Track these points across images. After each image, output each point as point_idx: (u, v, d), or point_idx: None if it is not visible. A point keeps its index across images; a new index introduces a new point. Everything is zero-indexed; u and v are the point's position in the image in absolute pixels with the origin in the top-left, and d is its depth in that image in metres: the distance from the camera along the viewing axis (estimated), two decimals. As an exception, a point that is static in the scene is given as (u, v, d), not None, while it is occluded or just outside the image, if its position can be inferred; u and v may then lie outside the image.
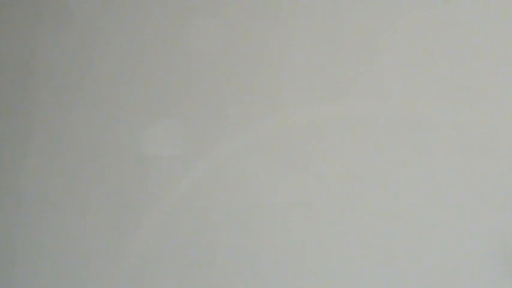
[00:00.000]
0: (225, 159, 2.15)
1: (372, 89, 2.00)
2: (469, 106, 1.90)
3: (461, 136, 1.91)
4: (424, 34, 1.96)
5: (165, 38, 2.25)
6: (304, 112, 2.07)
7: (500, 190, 1.86)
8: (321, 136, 2.04)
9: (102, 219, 2.27)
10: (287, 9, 2.11)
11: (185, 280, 2.16)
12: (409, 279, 1.92)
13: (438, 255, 1.90)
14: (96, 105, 2.32)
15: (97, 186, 2.29)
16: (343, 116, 2.02)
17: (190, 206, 2.17)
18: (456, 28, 1.93)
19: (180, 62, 2.23)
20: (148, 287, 2.20)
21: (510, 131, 1.87)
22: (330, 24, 2.06)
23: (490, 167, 1.87)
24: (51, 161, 2.36)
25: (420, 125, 1.94)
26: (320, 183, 2.03)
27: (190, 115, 2.20)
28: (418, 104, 1.95)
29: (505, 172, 1.85)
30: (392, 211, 1.95)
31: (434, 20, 1.95)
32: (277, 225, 2.07)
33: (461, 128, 1.91)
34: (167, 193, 2.20)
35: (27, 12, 2.44)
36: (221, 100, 2.17)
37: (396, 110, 1.97)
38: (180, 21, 2.24)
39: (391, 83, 1.99)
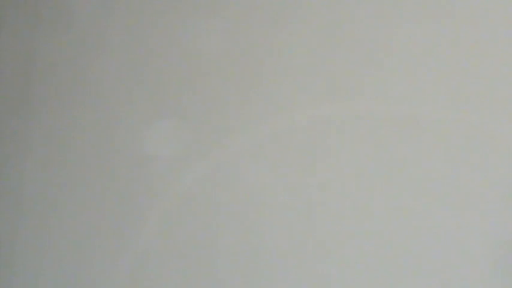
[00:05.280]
0: (225, 159, 2.15)
1: (372, 89, 2.00)
2: (470, 106, 1.90)
3: (462, 136, 1.91)
4: (425, 34, 1.96)
5: (166, 38, 2.25)
6: (305, 112, 2.07)
7: (501, 190, 1.86)
8: (322, 136, 2.04)
9: (102, 219, 2.27)
10: (288, 8, 2.11)
11: (185, 280, 2.16)
12: (409, 279, 1.93)
13: (438, 255, 1.90)
14: (96, 106, 2.32)
15: (97, 186, 2.29)
16: (344, 116, 2.03)
17: (190, 206, 2.17)
18: (457, 28, 1.93)
19: (181, 62, 2.23)
20: (148, 287, 2.20)
21: (511, 131, 1.87)
22: (331, 25, 2.06)
23: (490, 167, 1.87)
24: (52, 161, 2.36)
25: (421, 126, 1.94)
26: (321, 184, 2.03)
27: (190, 115, 2.20)
28: (419, 104, 1.95)
29: (505, 172, 1.86)
30: (393, 211, 1.95)
31: (435, 20, 1.95)
32: (278, 225, 2.07)
33: (462, 128, 1.91)
34: (168, 193, 2.21)
35: (27, 12, 2.44)
36: (222, 100, 2.17)
37: (397, 110, 1.97)
38: (180, 21, 2.24)
39: (392, 84, 1.98)
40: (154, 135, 2.24)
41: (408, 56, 1.97)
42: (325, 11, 2.07)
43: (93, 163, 2.31)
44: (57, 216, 2.33)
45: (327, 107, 2.05)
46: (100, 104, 2.32)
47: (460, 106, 1.91)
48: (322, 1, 2.08)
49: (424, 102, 1.95)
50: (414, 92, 1.96)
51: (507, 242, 1.84)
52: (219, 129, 2.16)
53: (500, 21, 1.89)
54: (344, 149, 2.02)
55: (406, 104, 1.96)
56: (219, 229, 2.13)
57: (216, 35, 2.19)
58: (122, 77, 2.30)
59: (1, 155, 2.41)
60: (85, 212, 2.30)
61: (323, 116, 2.05)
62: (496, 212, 1.86)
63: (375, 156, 1.98)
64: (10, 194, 2.40)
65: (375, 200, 1.97)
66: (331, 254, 2.01)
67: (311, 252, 2.03)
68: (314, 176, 2.04)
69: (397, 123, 1.97)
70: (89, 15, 2.36)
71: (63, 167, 2.35)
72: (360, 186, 1.99)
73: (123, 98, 2.29)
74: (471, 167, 1.89)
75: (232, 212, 2.12)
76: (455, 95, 1.92)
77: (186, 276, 2.16)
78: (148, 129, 2.24)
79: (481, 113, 1.89)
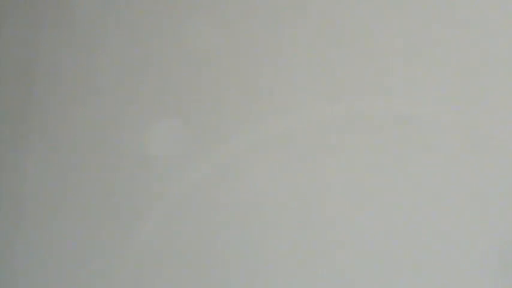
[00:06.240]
0: (226, 159, 2.15)
1: (373, 89, 2.00)
2: (470, 106, 1.90)
3: (462, 136, 1.91)
4: (425, 34, 1.96)
5: (166, 38, 2.26)
6: (306, 112, 2.07)
7: (501, 190, 1.86)
8: (323, 136, 2.04)
9: (103, 219, 2.27)
10: (288, 8, 2.11)
11: (186, 280, 2.16)
12: (409, 279, 1.92)
13: (438, 255, 1.90)
14: (96, 106, 2.32)
15: (98, 186, 2.29)
16: (345, 116, 2.02)
17: (191, 206, 2.17)
18: (457, 28, 1.93)
19: (181, 62, 2.23)
20: (148, 287, 2.20)
21: (511, 131, 1.87)
22: (331, 24, 2.06)
23: (490, 167, 1.87)
24: (52, 161, 2.36)
25: (422, 126, 1.94)
26: (322, 184, 2.03)
27: (191, 115, 2.20)
28: (420, 104, 1.95)
29: (505, 172, 1.85)
30: (394, 211, 1.95)
31: (435, 20, 1.95)
32: (279, 226, 2.07)
33: (462, 128, 1.91)
34: (168, 193, 2.20)
35: (28, 12, 2.44)
36: (222, 100, 2.17)
37: (398, 110, 1.97)
38: (181, 21, 2.24)
39: (392, 84, 1.99)
40: (155, 135, 2.24)
41: (408, 55, 1.97)
42: (325, 10, 2.07)
43: (94, 163, 2.31)
44: (57, 217, 2.33)
45: (327, 107, 2.05)
46: (100, 104, 2.32)
47: (460, 106, 1.91)
48: (322, 1, 2.08)
49: (424, 102, 1.95)
50: (414, 91, 1.96)
51: (507, 242, 1.84)
52: (219, 129, 2.16)
53: (500, 21, 1.89)
54: (344, 149, 2.02)
55: (406, 104, 1.96)
56: (219, 230, 2.13)
57: (216, 35, 2.19)
58: (122, 77, 2.30)
59: (1, 155, 2.41)
60: (85, 212, 2.30)
61: (323, 116, 2.05)
62: (496, 212, 1.85)
63: (375, 156, 1.98)
64: (10, 194, 2.40)
65: (376, 199, 1.97)
66: (332, 255, 2.01)
67: (312, 252, 2.03)
68: (314, 176, 2.04)
69: (397, 123, 1.97)
70: (90, 15, 2.36)
71: (63, 167, 2.35)
72: (361, 186, 1.99)
73: (123, 98, 2.29)
74: (471, 167, 1.89)
75: (233, 213, 2.12)
76: (455, 95, 1.92)
77: (186, 277, 2.16)
78: (149, 129, 2.25)
79: (481, 113, 1.89)
